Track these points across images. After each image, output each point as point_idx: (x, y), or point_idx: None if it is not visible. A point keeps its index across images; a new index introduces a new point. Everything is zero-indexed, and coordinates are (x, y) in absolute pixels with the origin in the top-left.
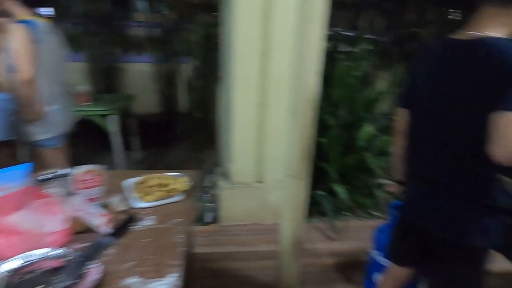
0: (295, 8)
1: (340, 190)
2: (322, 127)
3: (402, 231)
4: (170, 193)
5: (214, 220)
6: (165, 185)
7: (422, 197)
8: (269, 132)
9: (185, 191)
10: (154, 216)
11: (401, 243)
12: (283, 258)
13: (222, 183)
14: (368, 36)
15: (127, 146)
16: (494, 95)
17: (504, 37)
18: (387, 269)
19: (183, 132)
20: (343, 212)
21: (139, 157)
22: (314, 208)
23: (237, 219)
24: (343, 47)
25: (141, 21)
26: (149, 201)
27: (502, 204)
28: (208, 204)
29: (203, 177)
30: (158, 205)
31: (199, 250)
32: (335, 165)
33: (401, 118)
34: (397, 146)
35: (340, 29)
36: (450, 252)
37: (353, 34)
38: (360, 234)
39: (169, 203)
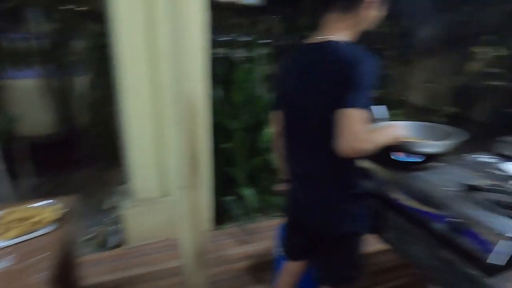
0: (167, 15)
1: (248, 193)
2: (226, 132)
3: (289, 226)
4: (35, 226)
5: (120, 244)
6: (28, 218)
7: (298, 193)
8: (169, 142)
9: (56, 220)
10: (12, 256)
11: (290, 239)
12: (188, 272)
13: (125, 203)
14: (265, 41)
15: (14, 174)
16: (337, 94)
17: (346, 40)
18: (283, 265)
19: (84, 152)
20: (255, 214)
21: (31, 184)
22: (226, 214)
23: (145, 238)
24: (242, 52)
25: (25, 32)
26: (6, 239)
27: (367, 190)
28: (111, 227)
29: (105, 199)
30: (19, 242)
31: (101, 279)
32: (242, 168)
33: (276, 119)
34: (277, 146)
35: (237, 34)
36: (327, 241)
37: (250, 39)
38: (271, 233)
39: (34, 237)
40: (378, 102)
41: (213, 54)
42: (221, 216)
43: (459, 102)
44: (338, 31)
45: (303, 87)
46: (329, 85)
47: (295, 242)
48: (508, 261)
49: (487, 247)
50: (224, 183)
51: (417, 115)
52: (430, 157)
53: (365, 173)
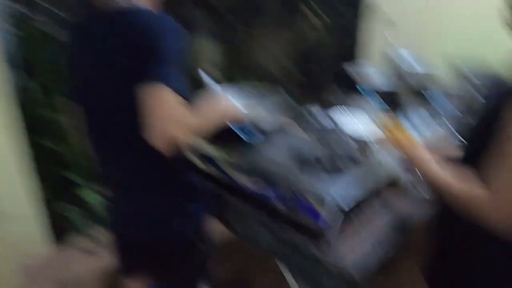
0: None
1: (88, 195)
2: (56, 127)
3: (116, 242)
4: None
5: None
6: None
7: (115, 201)
8: None
9: None
10: None
11: (122, 256)
12: None
13: None
14: None
15: None
16: (138, 70)
17: (147, 6)
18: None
19: None
20: (101, 219)
21: None
22: (69, 224)
23: None
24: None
25: None
26: None
27: (204, 177)
28: None
29: None
30: None
31: None
32: (79, 169)
33: (76, 112)
34: (87, 146)
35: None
36: (166, 252)
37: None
38: None
39: None
40: (230, 71)
41: (20, 31)
42: (63, 227)
43: (300, 63)
44: None
45: (93, 66)
46: (127, 60)
47: (124, 257)
48: (335, 230)
49: (318, 216)
50: (61, 188)
51: (266, 80)
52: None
53: (201, 157)
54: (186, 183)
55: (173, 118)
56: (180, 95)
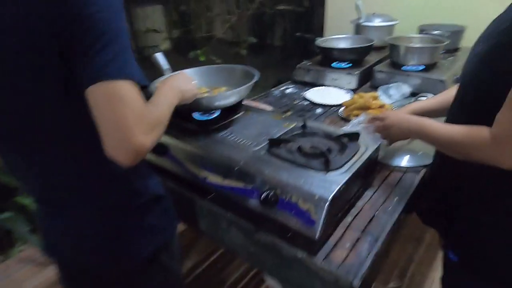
0: None
1: (27, 201)
2: None
3: (62, 273)
4: None
5: None
6: None
7: (52, 223)
8: None
9: None
10: None
11: (64, 284)
12: None
13: None
14: None
15: None
16: (71, 57)
17: None
18: None
19: None
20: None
21: None
22: (12, 235)
23: None
24: None
25: None
26: None
27: (164, 176)
28: None
29: None
30: None
31: None
32: None
33: None
34: None
35: None
36: (127, 276)
37: None
38: None
39: None
40: (181, 42)
41: None
42: (6, 239)
43: (257, 30)
44: None
45: None
46: (47, 41)
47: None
48: (325, 229)
49: (309, 218)
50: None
51: (221, 49)
52: (230, 109)
53: (158, 151)
54: (141, 188)
55: (136, 124)
56: (139, 85)
